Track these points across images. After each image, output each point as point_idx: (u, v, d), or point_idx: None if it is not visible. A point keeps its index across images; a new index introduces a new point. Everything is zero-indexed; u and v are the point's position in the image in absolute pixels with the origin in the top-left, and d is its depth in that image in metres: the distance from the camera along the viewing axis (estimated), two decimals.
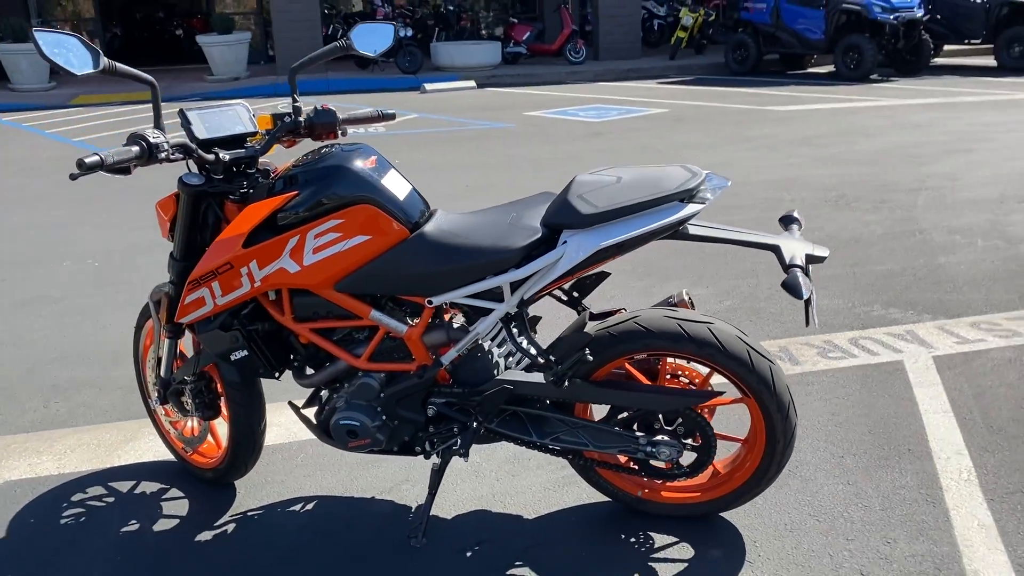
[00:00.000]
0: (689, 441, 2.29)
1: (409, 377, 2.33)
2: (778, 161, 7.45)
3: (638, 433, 2.28)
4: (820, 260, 2.10)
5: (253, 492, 2.73)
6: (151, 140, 2.10)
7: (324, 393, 2.53)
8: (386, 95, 13.56)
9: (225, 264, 2.22)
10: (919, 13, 13.39)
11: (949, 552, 2.29)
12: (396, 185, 2.24)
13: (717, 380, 2.39)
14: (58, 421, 3.25)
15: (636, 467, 2.39)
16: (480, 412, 2.31)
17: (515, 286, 2.18)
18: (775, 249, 2.08)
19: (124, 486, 2.79)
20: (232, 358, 2.38)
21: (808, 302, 2.03)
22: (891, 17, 13.08)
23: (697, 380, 2.36)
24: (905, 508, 2.49)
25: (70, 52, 2.07)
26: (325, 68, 16.11)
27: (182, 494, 2.74)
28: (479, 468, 2.80)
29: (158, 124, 2.25)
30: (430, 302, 2.23)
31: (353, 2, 20.26)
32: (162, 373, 2.63)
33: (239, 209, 2.36)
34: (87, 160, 1.96)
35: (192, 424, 2.79)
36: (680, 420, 2.29)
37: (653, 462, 2.36)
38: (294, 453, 2.95)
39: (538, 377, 2.27)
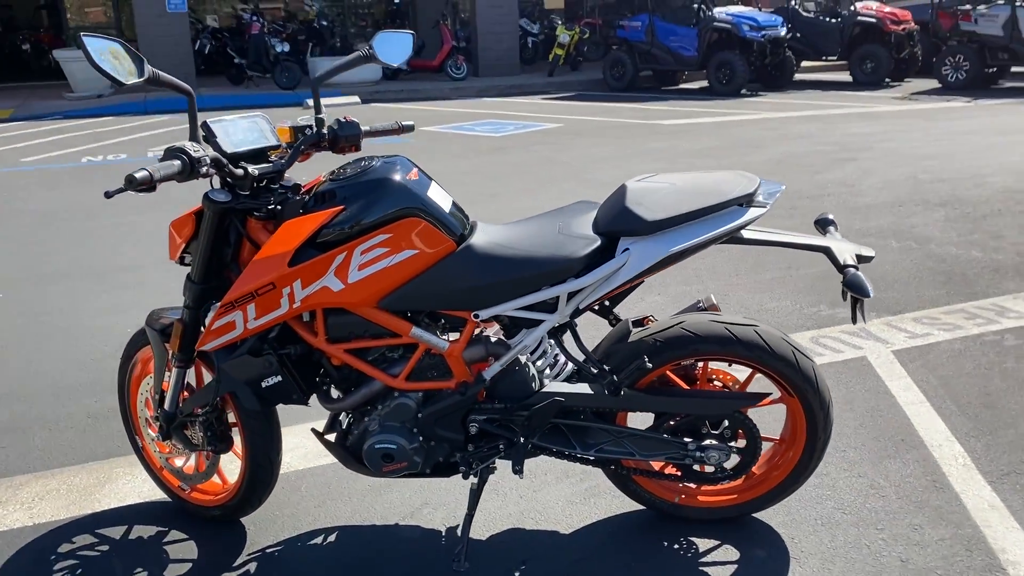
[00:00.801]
0: (735, 444, 2.32)
1: (450, 395, 2.25)
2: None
3: (686, 439, 2.29)
4: (868, 260, 2.17)
5: (264, 528, 2.56)
6: (192, 155, 1.94)
7: (344, 418, 2.42)
8: (268, 111, 13.15)
9: (267, 284, 2.09)
10: (783, 31, 14.24)
11: (972, 534, 2.41)
12: (440, 197, 2.17)
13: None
14: (12, 467, 2.95)
15: (678, 473, 2.40)
16: (528, 427, 2.26)
17: (570, 296, 2.15)
18: (826, 251, 2.14)
19: (115, 532, 2.56)
20: (263, 385, 2.24)
21: (862, 300, 2.10)
22: (759, 35, 13.85)
23: (730, 383, 2.39)
24: (918, 495, 2.61)
25: (117, 59, 1.90)
26: (197, 85, 15.47)
27: (185, 535, 2.54)
28: (498, 487, 2.73)
29: (194, 136, 2.09)
30: (476, 316, 2.17)
31: (215, 18, 19.62)
32: (166, 406, 2.43)
33: (265, 227, 2.22)
34: (137, 175, 1.80)
35: (193, 460, 2.59)
36: (726, 423, 2.31)
37: (697, 467, 2.37)
38: (294, 484, 2.79)
39: (583, 387, 2.24)
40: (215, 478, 2.60)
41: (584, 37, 17.60)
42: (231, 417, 2.47)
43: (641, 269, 2.07)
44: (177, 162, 1.92)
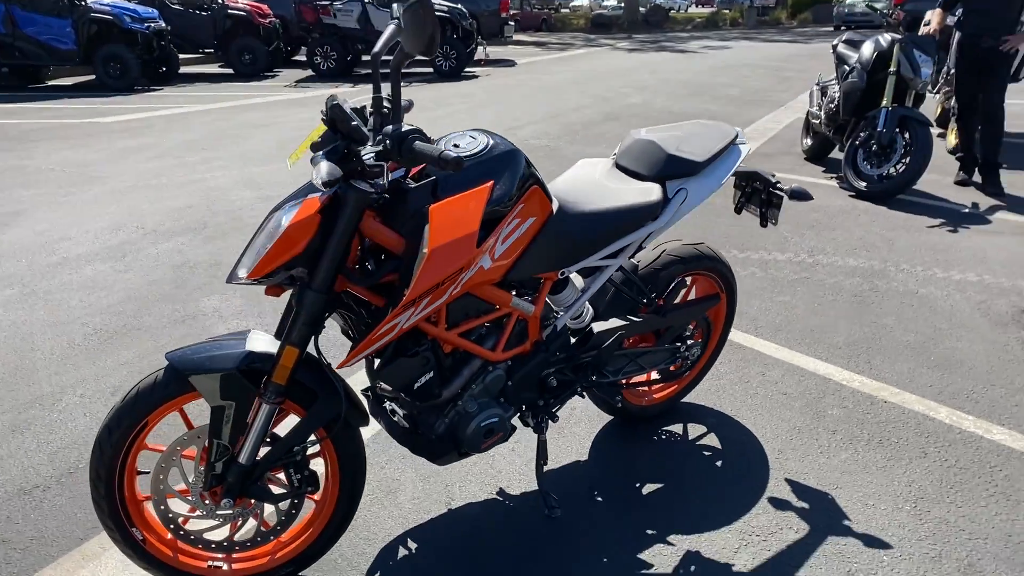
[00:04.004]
0: (700, 340, 2.86)
1: (533, 355, 2.32)
2: (239, 173, 7.38)
3: (677, 343, 2.76)
4: (773, 175, 2.88)
5: (330, 571, 2.22)
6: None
7: (395, 408, 2.26)
8: None
9: (457, 271, 1.89)
10: (163, 23, 13.88)
11: (816, 382, 3.29)
12: None
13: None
14: None
15: (657, 376, 2.84)
16: (596, 365, 2.46)
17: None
18: (757, 173, 2.77)
19: None
20: (416, 386, 2.00)
21: (776, 207, 2.78)
22: (143, 27, 13.27)
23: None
24: (760, 363, 3.45)
25: None
26: None
27: None
28: (494, 451, 2.77)
29: (399, 119, 1.75)
30: (563, 273, 2.30)
31: None
32: (243, 459, 1.92)
33: (374, 217, 1.95)
34: (454, 157, 1.55)
35: (241, 517, 2.07)
36: (694, 325, 2.83)
37: (672, 367, 2.84)
38: None
39: (624, 318, 2.53)
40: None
41: None
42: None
43: (699, 203, 2.46)
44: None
